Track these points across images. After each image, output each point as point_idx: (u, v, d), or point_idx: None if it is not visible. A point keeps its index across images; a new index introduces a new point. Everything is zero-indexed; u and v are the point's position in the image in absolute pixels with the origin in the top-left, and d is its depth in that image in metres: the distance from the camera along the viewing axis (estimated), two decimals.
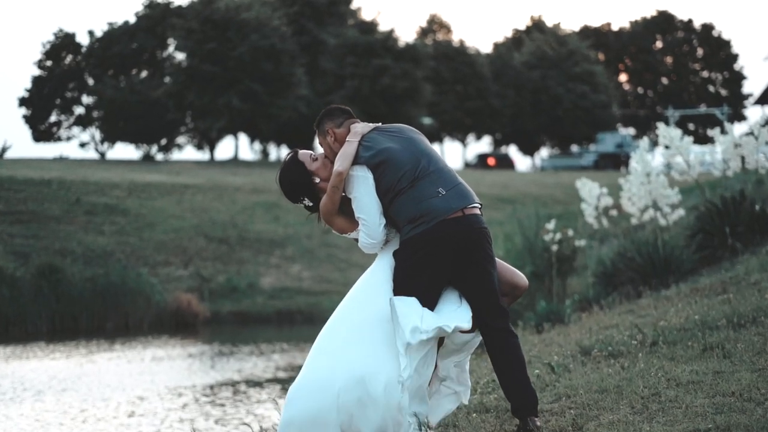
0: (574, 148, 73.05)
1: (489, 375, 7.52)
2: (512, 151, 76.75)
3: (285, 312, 26.67)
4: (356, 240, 5.64)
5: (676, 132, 13.84)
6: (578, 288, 16.25)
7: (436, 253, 5.39)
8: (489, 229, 5.60)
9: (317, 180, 5.66)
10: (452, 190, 5.48)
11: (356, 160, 5.50)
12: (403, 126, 5.72)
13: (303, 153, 5.73)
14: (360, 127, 5.61)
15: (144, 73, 62.38)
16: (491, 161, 67.01)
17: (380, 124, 5.71)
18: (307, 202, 5.72)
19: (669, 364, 6.62)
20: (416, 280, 5.42)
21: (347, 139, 5.56)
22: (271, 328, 25.22)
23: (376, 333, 5.38)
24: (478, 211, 5.53)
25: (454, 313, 5.44)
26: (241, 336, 23.63)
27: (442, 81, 66.63)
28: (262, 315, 26.47)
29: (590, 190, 14.72)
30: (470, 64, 68.19)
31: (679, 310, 8.80)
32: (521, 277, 5.76)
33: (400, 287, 5.45)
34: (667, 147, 13.97)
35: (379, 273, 5.56)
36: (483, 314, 5.47)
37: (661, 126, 14.00)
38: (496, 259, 5.65)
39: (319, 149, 5.81)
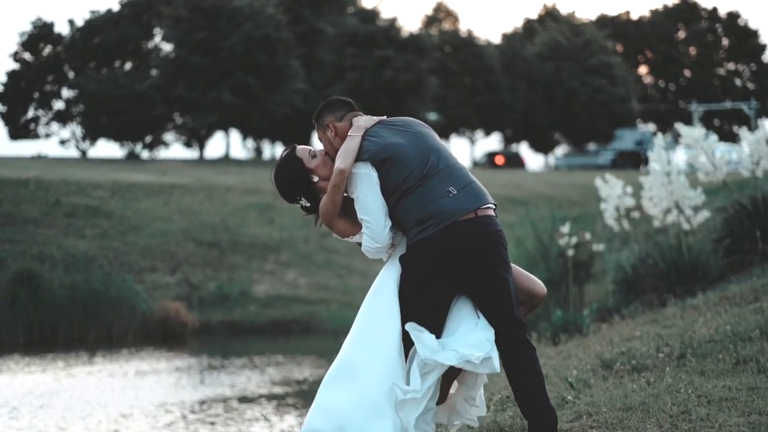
0: (591, 145, 73.05)
1: (504, 390, 7.45)
2: (524, 148, 76.81)
3: (280, 322, 26.59)
4: (359, 244, 5.57)
5: (699, 131, 13.74)
6: (596, 296, 16.21)
7: (447, 258, 5.30)
8: (504, 232, 5.53)
9: (316, 179, 5.60)
10: (464, 190, 5.39)
11: (359, 157, 5.41)
12: (410, 119, 5.65)
13: (301, 149, 5.67)
14: (363, 121, 5.53)
15: (128, 65, 62.40)
16: (499, 160, 66.97)
17: (385, 117, 5.65)
18: (304, 202, 5.66)
19: (699, 380, 6.55)
20: (424, 289, 5.34)
21: (349, 134, 5.48)
22: (265, 340, 25.14)
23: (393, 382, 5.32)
24: (492, 212, 5.46)
25: (471, 337, 5.35)
26: (232, 348, 23.56)
27: (449, 74, 66.64)
28: (256, 325, 26.38)
29: (611, 188, 14.66)
30: (479, 56, 68.20)
31: (708, 320, 8.73)
32: (539, 285, 5.70)
33: (407, 296, 5.37)
34: (688, 146, 13.90)
35: (388, 293, 5.48)
36: (498, 325, 5.38)
37: (680, 126, 13.91)
38: (512, 264, 5.57)
39: (319, 145, 5.75)
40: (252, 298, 27.82)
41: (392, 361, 5.30)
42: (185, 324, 25.30)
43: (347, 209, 5.53)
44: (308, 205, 5.66)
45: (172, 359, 21.21)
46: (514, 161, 67.14)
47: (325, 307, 26.78)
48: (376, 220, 5.39)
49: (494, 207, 5.50)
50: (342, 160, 5.38)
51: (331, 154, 5.60)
